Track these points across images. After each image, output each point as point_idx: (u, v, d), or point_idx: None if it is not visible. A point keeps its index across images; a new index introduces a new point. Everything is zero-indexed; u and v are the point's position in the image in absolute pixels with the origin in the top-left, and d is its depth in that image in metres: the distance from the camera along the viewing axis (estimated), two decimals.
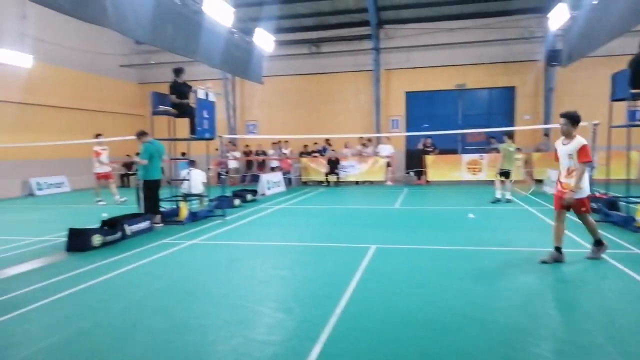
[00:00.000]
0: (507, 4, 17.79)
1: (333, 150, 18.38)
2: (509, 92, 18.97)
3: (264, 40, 14.96)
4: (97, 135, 13.48)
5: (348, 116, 19.94)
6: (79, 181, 18.39)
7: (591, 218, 5.94)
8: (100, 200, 13.28)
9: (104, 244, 7.37)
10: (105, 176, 13.49)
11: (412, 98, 19.79)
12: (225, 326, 4.04)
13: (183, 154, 10.42)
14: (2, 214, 11.91)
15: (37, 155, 16.39)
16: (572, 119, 5.67)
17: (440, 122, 18.84)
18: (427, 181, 17.49)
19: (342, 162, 18.11)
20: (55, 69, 17.34)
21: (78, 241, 7.12)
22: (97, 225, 8.00)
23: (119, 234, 7.74)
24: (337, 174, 17.82)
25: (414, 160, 18.54)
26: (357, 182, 18.18)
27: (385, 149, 18.34)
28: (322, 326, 3.96)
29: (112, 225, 7.81)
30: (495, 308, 4.31)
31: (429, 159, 17.42)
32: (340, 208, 11.80)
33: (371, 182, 18.21)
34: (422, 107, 19.67)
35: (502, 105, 19.14)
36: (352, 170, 18.16)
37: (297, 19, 19.73)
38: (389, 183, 17.95)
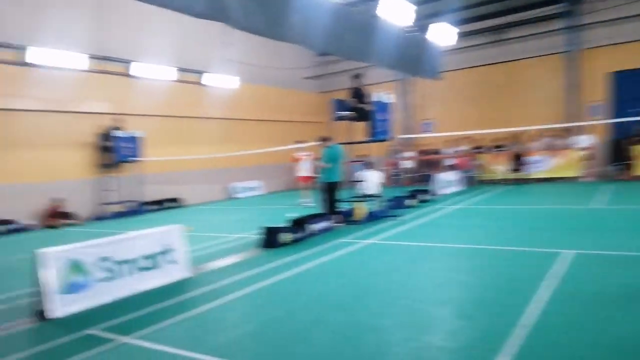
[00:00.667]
0: None
1: (517, 144, 16.79)
2: None
3: (441, 34, 14.44)
4: (297, 142, 14.46)
5: (538, 105, 17.97)
6: (272, 185, 20.50)
7: None
8: (304, 202, 13.72)
9: (292, 242, 8.00)
10: (305, 179, 14.24)
11: (620, 79, 16.88)
12: (403, 328, 3.98)
13: (364, 156, 10.79)
14: (209, 215, 13.92)
15: (237, 163, 18.72)
16: None
17: None
18: (633, 176, 14.72)
19: (529, 157, 16.44)
20: (252, 87, 19.62)
21: (270, 238, 7.87)
22: (286, 224, 8.75)
23: (304, 232, 8.32)
24: (522, 170, 16.26)
25: (620, 152, 15.79)
26: (553, 179, 16.29)
27: (584, 140, 16.02)
28: (506, 337, 3.60)
29: (298, 224, 8.44)
30: None
31: (637, 149, 14.63)
32: (525, 208, 10.74)
33: (561, 179, 16.14)
34: (631, 88, 16.58)
35: None
36: (541, 165, 16.33)
37: (479, 7, 18.59)
38: (587, 179, 15.64)
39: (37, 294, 4.90)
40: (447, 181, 15.08)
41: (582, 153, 15.77)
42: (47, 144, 13.51)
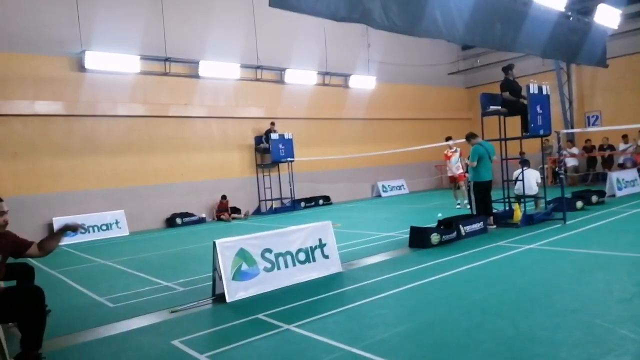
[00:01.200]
0: None
1: None
2: None
3: (607, 16, 12.71)
4: (448, 139, 13.67)
5: None
6: (416, 184, 20.15)
7: None
8: (458, 204, 12.88)
9: (441, 243, 7.71)
10: (454, 178, 13.20)
11: None
12: (579, 346, 3.51)
13: (522, 153, 9.90)
14: (358, 212, 14.18)
15: (381, 162, 18.81)
16: None
17: None
18: None
19: None
20: (392, 86, 19.55)
21: (418, 238, 7.70)
22: (434, 224, 8.47)
23: (454, 234, 7.98)
24: None
25: None
26: None
27: None
28: None
29: (448, 225, 8.11)
30: None
31: None
32: None
33: None
34: None
35: None
36: None
37: None
38: None
39: (215, 279, 5.50)
40: (623, 181, 13.12)
41: None
42: (214, 147, 15.17)
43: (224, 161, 15.33)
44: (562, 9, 11.13)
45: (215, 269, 5.49)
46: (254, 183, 15.94)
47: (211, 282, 5.66)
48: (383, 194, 18.92)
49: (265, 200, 15.91)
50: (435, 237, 7.68)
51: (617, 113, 17.44)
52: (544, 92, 9.23)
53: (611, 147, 16.92)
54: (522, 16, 10.17)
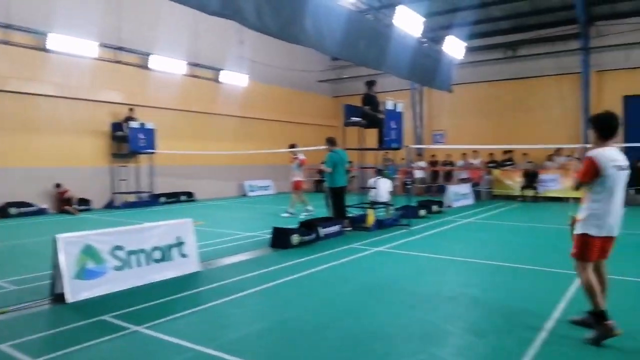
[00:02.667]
0: None
1: (530, 162, 16.72)
2: None
3: (455, 47, 14.52)
4: (291, 146, 13.27)
5: (550, 125, 17.91)
6: (283, 185, 20.50)
7: (584, 270, 4.02)
8: (296, 210, 12.37)
9: (301, 243, 8.01)
10: (296, 185, 12.76)
11: (633, 103, 16.80)
12: (411, 339, 3.97)
13: (388, 160, 10.71)
14: (220, 211, 13.97)
15: (250, 161, 18.79)
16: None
17: None
18: None
19: (542, 175, 16.37)
20: (265, 86, 19.72)
21: (280, 239, 7.90)
22: (296, 225, 8.76)
23: (313, 235, 8.34)
24: (535, 187, 16.18)
25: (637, 176, 15.69)
26: (568, 199, 16.23)
27: None
28: (520, 356, 3.57)
29: (308, 226, 8.45)
30: None
31: None
32: (537, 226, 10.68)
33: (575, 199, 16.02)
34: None
35: None
36: (554, 184, 16.25)
37: (492, 23, 18.63)
38: None
39: (54, 277, 4.96)
40: (459, 194, 15.04)
41: None
42: (62, 130, 13.64)
43: (72, 147, 13.86)
44: (418, 35, 12.42)
45: (55, 266, 4.96)
46: (108, 174, 14.71)
47: (50, 281, 5.10)
48: (249, 194, 18.92)
49: (120, 193, 14.79)
50: (296, 238, 7.95)
51: (459, 133, 19.94)
52: (399, 109, 10.17)
53: (452, 163, 19.30)
54: (384, 38, 11.08)
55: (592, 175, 3.90)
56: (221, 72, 17.46)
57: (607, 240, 3.99)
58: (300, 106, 21.56)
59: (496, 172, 17.46)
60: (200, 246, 7.17)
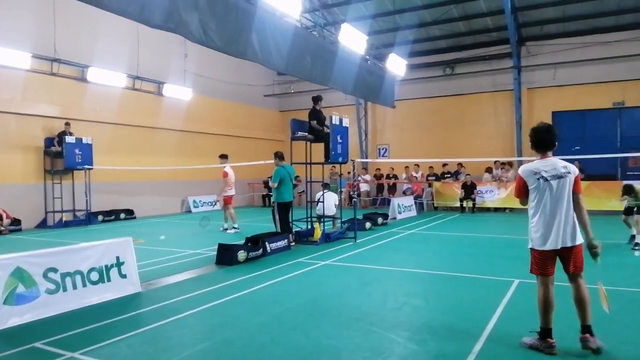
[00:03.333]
0: None
1: (468, 174, 17.52)
2: None
3: (397, 65, 15.07)
4: (222, 157, 12.73)
5: (486, 139, 18.89)
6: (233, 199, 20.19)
7: (540, 285, 4.08)
8: (228, 227, 12.21)
9: (248, 260, 7.92)
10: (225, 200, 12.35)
11: (560, 118, 18.07)
12: (357, 351, 4.03)
13: (335, 175, 10.79)
14: (164, 228, 13.54)
15: (194, 176, 18.40)
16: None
17: (594, 145, 16.84)
18: None
19: (480, 187, 17.17)
20: (209, 100, 19.48)
21: (225, 255, 7.77)
22: (242, 241, 8.66)
23: (260, 251, 8.27)
24: (473, 199, 16.94)
25: None
26: (502, 209, 17.06)
27: None
28: None
29: (254, 242, 8.38)
30: None
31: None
32: (477, 236, 11.16)
33: (511, 209, 16.94)
34: (571, 128, 17.79)
35: None
36: (491, 196, 17.09)
37: (431, 42, 19.51)
38: None
39: None
40: (402, 206, 15.46)
41: None
42: None
43: (1, 163, 13.02)
44: (362, 53, 12.81)
45: None
46: (41, 191, 13.90)
47: None
48: (194, 210, 18.49)
49: (54, 212, 14.00)
50: (242, 254, 7.85)
51: (402, 147, 20.57)
52: (344, 124, 10.38)
53: (395, 177, 19.83)
54: (330, 54, 11.34)
55: (521, 189, 4.05)
56: (164, 85, 17.09)
57: (561, 252, 3.89)
58: (246, 120, 21.44)
59: (437, 185, 18.12)
60: (141, 266, 6.93)
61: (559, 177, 3.90)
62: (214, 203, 17.99)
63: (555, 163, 3.99)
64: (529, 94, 18.40)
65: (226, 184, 12.24)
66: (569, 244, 3.86)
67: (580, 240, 3.89)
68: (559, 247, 3.86)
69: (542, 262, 3.93)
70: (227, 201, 12.33)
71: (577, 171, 4.03)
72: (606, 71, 16.94)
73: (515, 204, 16.49)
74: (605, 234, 9.55)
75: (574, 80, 17.51)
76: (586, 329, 3.86)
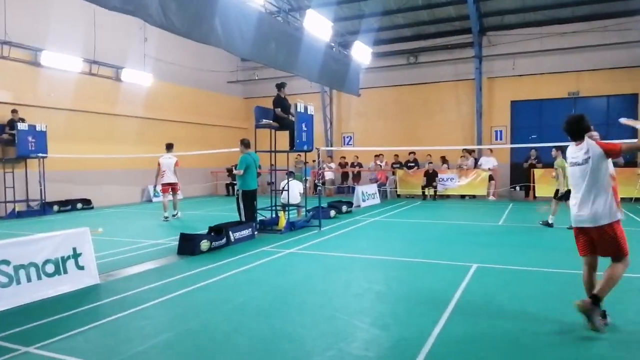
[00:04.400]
0: (628, 4, 16.13)
1: (431, 163, 17.88)
2: (631, 100, 17.12)
3: (362, 52, 15.12)
4: (168, 146, 13.00)
5: (448, 127, 19.29)
6: (191, 189, 19.85)
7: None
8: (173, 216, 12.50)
9: (211, 249, 7.85)
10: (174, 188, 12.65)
11: (518, 107, 18.65)
12: (321, 337, 4.09)
13: (305, 163, 10.84)
14: (124, 219, 13.23)
15: (154, 164, 17.89)
16: None
17: (550, 133, 17.48)
18: (535, 197, 16.32)
19: (441, 175, 17.57)
20: (171, 85, 19.01)
21: (187, 245, 7.67)
22: (205, 231, 8.57)
23: (224, 240, 8.21)
24: (434, 187, 17.32)
25: (520, 175, 17.42)
26: (462, 197, 17.53)
27: (488, 162, 17.46)
28: (420, 347, 3.84)
29: (218, 231, 8.31)
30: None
31: (537, 173, 16.26)
32: (438, 223, 11.45)
33: (473, 197, 17.43)
34: (529, 117, 18.44)
35: (623, 114, 17.24)
36: (452, 183, 17.53)
37: (396, 30, 19.65)
38: (492, 198, 17.04)
39: None
40: (366, 194, 15.64)
41: (486, 174, 17.12)
42: None
43: None
44: (328, 40, 12.77)
45: None
46: None
47: None
48: (154, 199, 18.08)
49: (6, 202, 13.41)
50: (205, 244, 7.77)
51: (367, 135, 20.74)
52: (309, 112, 10.35)
53: (360, 165, 19.98)
54: (295, 40, 11.25)
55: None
56: (122, 70, 16.54)
57: (583, 231, 4.22)
58: (209, 107, 21.07)
59: (400, 173, 18.42)
60: (100, 257, 6.78)
61: (578, 163, 4.24)
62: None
63: (579, 150, 4.26)
64: (489, 83, 18.86)
65: (158, 173, 12.62)
66: (584, 225, 4.18)
67: (604, 222, 4.06)
68: (581, 226, 4.23)
69: (576, 239, 4.33)
70: (163, 190, 12.59)
71: (597, 149, 4.13)
72: (563, 61, 17.57)
73: (476, 191, 17.35)
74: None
75: (532, 70, 18.07)
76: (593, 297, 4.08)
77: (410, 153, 18.93)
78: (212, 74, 20.94)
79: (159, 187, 13.05)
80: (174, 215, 12.54)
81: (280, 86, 10.50)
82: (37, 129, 13.50)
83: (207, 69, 20.57)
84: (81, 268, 5.74)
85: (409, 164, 18.75)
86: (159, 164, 12.64)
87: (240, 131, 21.55)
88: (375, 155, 19.43)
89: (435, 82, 19.63)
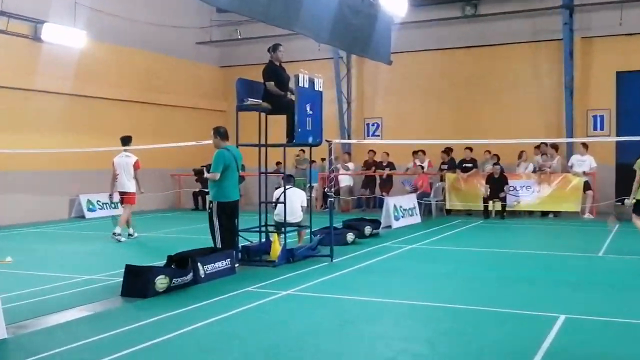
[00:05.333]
0: None
1: (497, 164, 17.75)
2: None
3: (394, 1, 15.07)
4: (125, 140, 13.68)
5: (522, 111, 19.23)
6: (144, 200, 19.77)
7: None
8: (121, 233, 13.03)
9: (171, 289, 7.86)
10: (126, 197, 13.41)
11: (628, 81, 18.55)
12: None
13: (278, 163, 10.87)
14: (45, 244, 13.28)
15: (89, 164, 18.08)
16: None
17: None
18: None
19: (512, 182, 17.48)
20: (113, 48, 19.17)
21: (137, 283, 7.69)
22: (162, 262, 8.58)
23: (189, 276, 8.22)
24: (502, 199, 17.23)
25: (630, 182, 17.28)
26: (544, 214, 17.43)
27: (583, 163, 17.36)
28: None
29: (181, 262, 8.31)
30: None
31: None
32: (507, 253, 11.38)
33: (556, 214, 17.32)
34: None
35: None
36: (528, 194, 17.43)
37: None
38: (588, 216, 16.94)
39: None
40: (401, 209, 15.60)
41: (579, 180, 16.91)
42: None
43: None
44: None
45: None
46: None
47: None
48: (88, 214, 18.21)
49: None
50: (161, 282, 7.78)
51: (401, 123, 20.72)
52: (317, 88, 10.35)
53: (391, 166, 19.90)
54: None
55: None
56: (43, 25, 16.67)
57: None
58: (169, 80, 21.22)
59: (451, 178, 18.33)
60: (8, 299, 6.79)
61: None
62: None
63: None
64: (585, 45, 18.82)
65: (113, 178, 13.32)
66: None
67: None
68: None
69: None
70: (133, 199, 13.43)
71: None
72: None
73: (564, 206, 17.14)
74: None
75: None
76: None
77: (466, 149, 18.84)
78: (175, 31, 21.08)
79: (115, 197, 13.57)
80: (130, 236, 13.05)
81: (274, 49, 10.50)
82: None
83: (168, 23, 20.70)
84: None
85: (464, 165, 18.70)
86: (113, 165, 13.14)
87: (215, 115, 21.65)
88: (414, 152, 19.40)
89: (503, 43, 19.62)
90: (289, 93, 10.25)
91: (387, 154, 20.05)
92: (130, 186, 13.01)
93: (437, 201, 18.41)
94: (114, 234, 12.80)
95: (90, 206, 18.50)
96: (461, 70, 20.14)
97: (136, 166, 12.98)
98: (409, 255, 11.04)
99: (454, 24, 20.13)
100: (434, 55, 20.44)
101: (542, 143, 18.03)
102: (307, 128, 10.07)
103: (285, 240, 10.42)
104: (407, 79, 20.62)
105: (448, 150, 19.11)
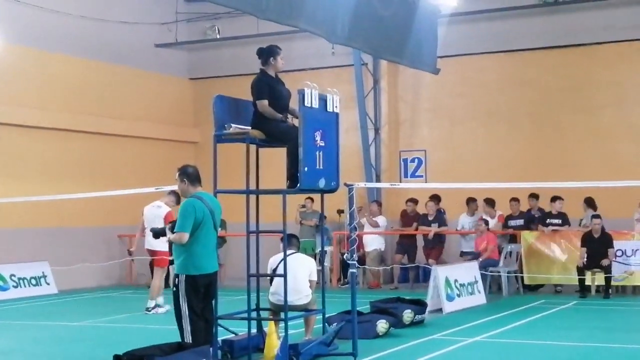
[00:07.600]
0: None
1: (597, 216, 17.60)
2: None
3: None
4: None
5: (633, 137, 19.10)
6: (76, 273, 19.80)
7: None
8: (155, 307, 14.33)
9: None
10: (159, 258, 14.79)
11: None
12: None
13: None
14: None
15: (6, 221, 18.16)
16: None
17: None
18: None
19: (619, 244, 17.33)
20: (38, 54, 19.41)
21: None
22: None
23: None
24: (607, 268, 17.07)
25: None
26: None
27: None
28: None
29: None
30: None
31: None
32: (616, 350, 11.20)
33: None
34: None
35: None
36: None
37: None
38: None
39: None
40: (457, 284, 15.47)
41: None
42: None
43: None
44: None
45: None
46: None
47: None
48: (2, 295, 18.22)
49: None
50: None
51: (454, 157, 20.70)
52: (330, 108, 10.34)
53: (441, 219, 19.73)
54: None
55: None
56: None
57: None
58: (117, 98, 21.48)
59: (529, 237, 18.20)
60: None
61: None
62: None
63: None
64: None
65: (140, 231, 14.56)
66: None
67: None
68: None
69: None
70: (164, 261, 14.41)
71: None
72: None
73: None
74: None
75: None
76: None
77: (553, 199, 18.57)
78: (127, 28, 21.33)
79: (135, 251, 15.38)
80: (152, 308, 14.03)
81: (267, 53, 10.53)
82: None
83: (116, 19, 20.96)
84: None
85: (548, 219, 18.56)
86: (142, 216, 14.31)
87: (183, 148, 21.81)
88: (470, 200, 19.31)
89: (600, 42, 19.70)
90: (289, 116, 10.26)
91: (436, 202, 19.95)
92: (160, 244, 13.51)
93: (509, 272, 18.26)
94: (147, 309, 13.68)
95: (3, 284, 18.45)
96: (540, 81, 20.21)
97: (167, 219, 13.37)
98: (469, 354, 10.90)
99: (529, 15, 20.29)
100: (500, 59, 20.56)
101: None
102: (317, 166, 10.04)
103: (286, 332, 10.29)
104: (462, 94, 20.72)
105: (516, 201, 18.97)
